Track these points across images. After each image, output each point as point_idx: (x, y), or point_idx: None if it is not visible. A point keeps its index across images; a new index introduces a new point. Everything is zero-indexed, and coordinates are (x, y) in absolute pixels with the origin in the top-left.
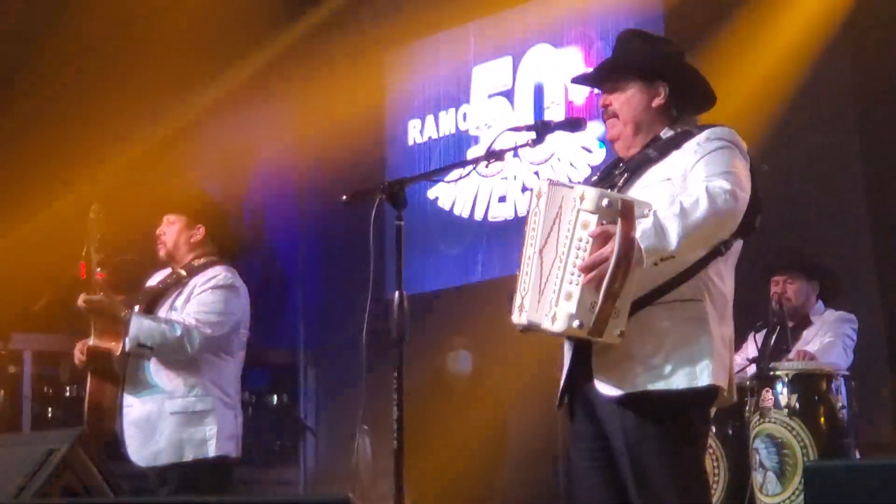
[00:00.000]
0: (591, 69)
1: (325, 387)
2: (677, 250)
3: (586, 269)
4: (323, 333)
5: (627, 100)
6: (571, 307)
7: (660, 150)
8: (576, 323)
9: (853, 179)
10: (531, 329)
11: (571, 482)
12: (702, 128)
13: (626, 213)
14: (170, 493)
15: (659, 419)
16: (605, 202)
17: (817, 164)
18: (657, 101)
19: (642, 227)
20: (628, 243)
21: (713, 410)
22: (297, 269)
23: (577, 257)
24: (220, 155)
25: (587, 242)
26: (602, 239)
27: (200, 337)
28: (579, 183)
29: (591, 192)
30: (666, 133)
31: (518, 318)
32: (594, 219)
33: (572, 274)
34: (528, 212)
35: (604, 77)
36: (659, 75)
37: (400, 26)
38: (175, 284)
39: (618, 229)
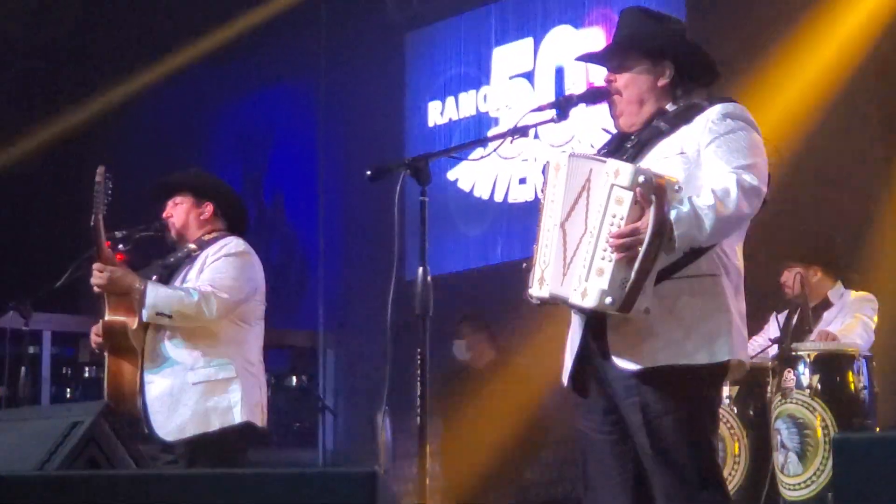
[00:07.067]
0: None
1: (344, 368)
2: (706, 242)
3: (620, 247)
4: (343, 315)
5: (633, 78)
6: (603, 283)
7: (669, 122)
8: (608, 300)
9: (877, 165)
10: (552, 302)
11: (583, 454)
12: (711, 101)
13: (660, 190)
14: (193, 464)
15: (679, 394)
16: (640, 178)
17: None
18: (662, 81)
19: (679, 212)
20: (662, 222)
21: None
22: (317, 250)
23: (609, 233)
24: (239, 135)
25: (621, 219)
26: (635, 215)
27: (218, 301)
28: (601, 155)
29: (627, 168)
30: (671, 107)
31: (538, 291)
32: (629, 195)
33: (604, 250)
34: (543, 184)
35: (610, 55)
36: (665, 54)
37: (421, 7)
38: (187, 258)
39: (652, 207)
